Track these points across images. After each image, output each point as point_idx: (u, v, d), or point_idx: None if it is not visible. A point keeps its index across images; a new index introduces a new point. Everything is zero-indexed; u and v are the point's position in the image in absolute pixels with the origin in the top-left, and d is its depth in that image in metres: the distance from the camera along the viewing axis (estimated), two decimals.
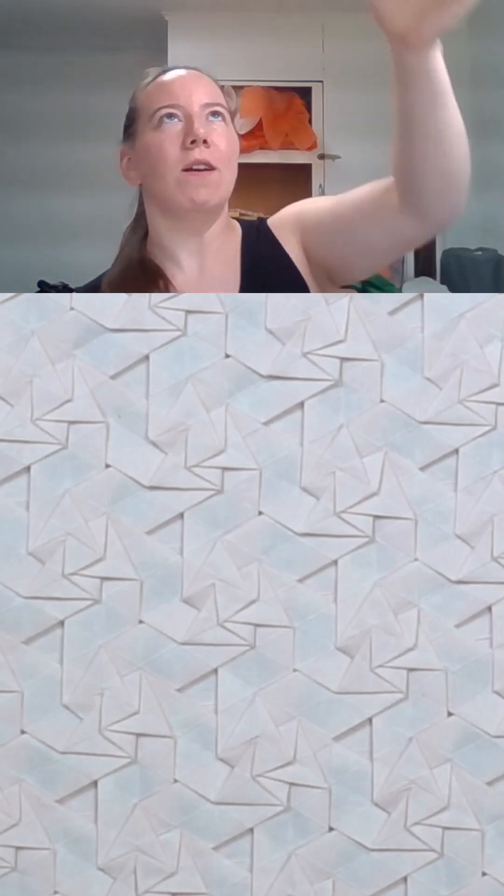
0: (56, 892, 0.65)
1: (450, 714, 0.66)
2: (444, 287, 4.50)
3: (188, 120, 1.19)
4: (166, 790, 0.65)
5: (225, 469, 0.66)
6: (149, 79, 1.26)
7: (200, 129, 1.18)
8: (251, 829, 0.65)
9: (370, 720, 0.66)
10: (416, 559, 0.66)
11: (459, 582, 0.66)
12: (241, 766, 0.65)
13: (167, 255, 1.24)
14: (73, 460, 0.66)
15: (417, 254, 4.77)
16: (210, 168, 1.19)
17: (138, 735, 0.65)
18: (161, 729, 0.65)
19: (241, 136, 1.28)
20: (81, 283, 1.38)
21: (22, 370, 0.65)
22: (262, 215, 1.34)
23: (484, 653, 0.65)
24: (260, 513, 0.66)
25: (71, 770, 0.65)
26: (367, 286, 4.47)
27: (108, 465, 0.66)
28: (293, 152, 4.43)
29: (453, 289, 4.46)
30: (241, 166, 1.26)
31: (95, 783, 0.65)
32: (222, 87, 1.27)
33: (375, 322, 0.67)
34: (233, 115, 1.26)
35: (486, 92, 4.16)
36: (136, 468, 0.66)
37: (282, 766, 0.65)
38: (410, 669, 0.66)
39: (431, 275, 4.66)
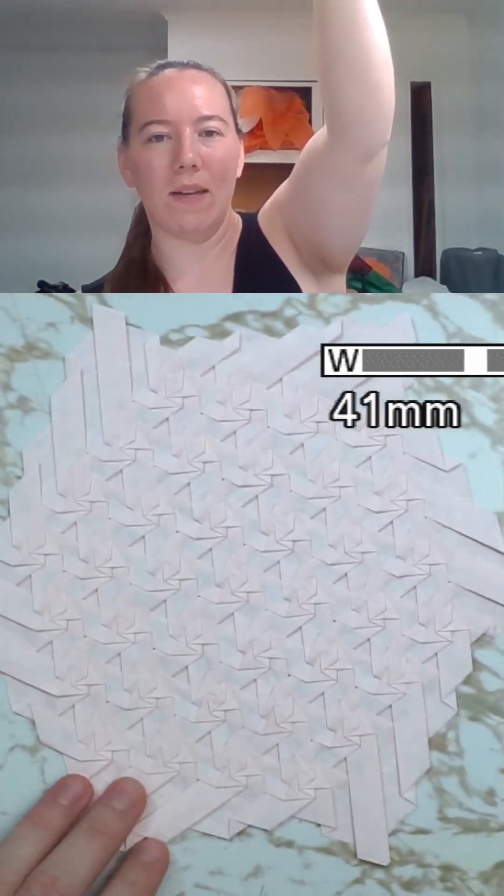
0: None
1: None
2: (444, 287, 4.58)
3: (177, 140, 1.16)
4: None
5: None
6: (141, 77, 1.22)
7: (189, 154, 1.15)
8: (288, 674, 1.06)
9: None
10: None
11: None
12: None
13: (168, 261, 1.26)
14: None
15: (417, 254, 4.79)
16: (200, 191, 1.18)
17: None
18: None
19: (242, 136, 1.26)
20: (78, 279, 1.35)
21: None
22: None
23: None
24: None
25: None
26: (368, 286, 4.71)
27: None
28: (293, 152, 4.21)
29: (453, 289, 4.53)
30: (242, 166, 1.25)
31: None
32: (224, 84, 1.23)
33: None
34: (234, 115, 1.23)
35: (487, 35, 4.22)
36: None
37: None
38: None
39: (431, 275, 4.78)
